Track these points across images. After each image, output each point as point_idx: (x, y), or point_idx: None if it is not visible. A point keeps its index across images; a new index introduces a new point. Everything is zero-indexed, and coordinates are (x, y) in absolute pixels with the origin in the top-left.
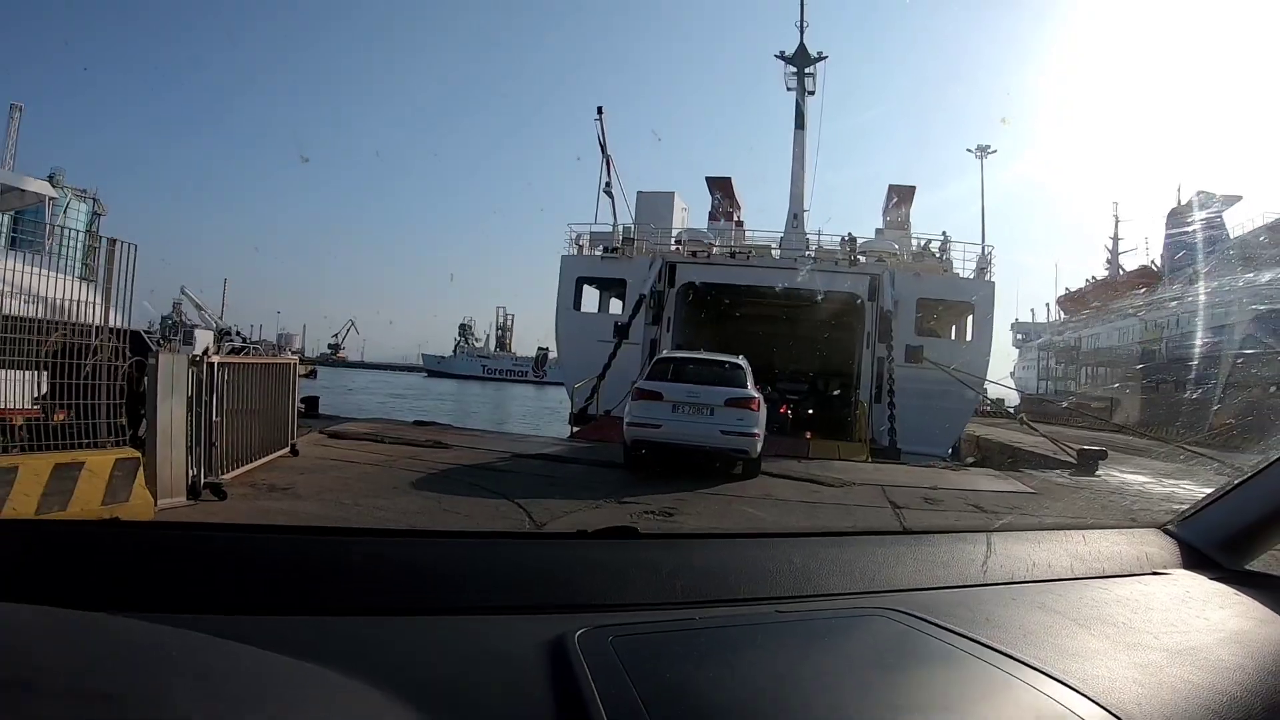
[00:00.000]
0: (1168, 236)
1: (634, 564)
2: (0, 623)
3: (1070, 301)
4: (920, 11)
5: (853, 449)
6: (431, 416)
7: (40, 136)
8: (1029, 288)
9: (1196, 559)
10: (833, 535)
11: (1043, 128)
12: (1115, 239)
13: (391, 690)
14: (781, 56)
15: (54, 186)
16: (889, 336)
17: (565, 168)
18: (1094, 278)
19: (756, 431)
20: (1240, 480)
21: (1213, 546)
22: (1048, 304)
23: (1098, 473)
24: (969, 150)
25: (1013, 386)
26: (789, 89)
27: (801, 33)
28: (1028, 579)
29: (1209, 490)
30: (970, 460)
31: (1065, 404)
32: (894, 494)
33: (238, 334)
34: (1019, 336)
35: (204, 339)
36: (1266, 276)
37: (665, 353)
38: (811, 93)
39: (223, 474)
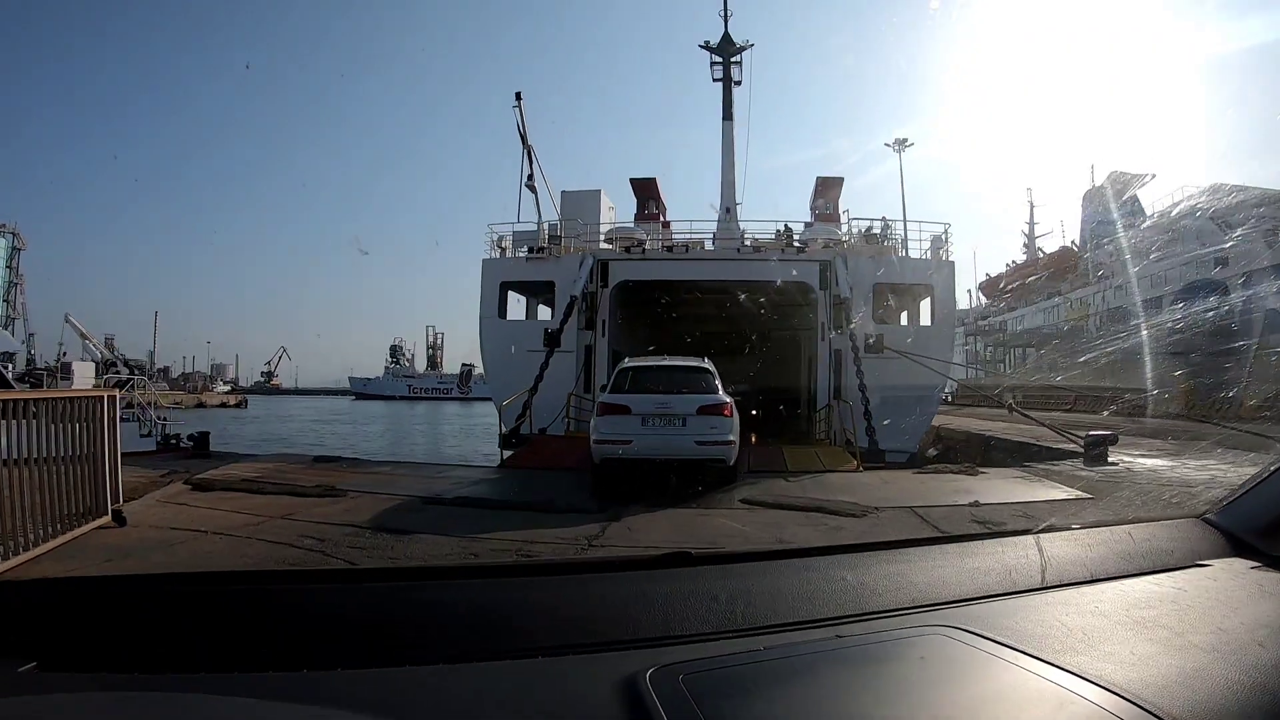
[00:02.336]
0: (1085, 217)
1: (692, 593)
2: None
3: (991, 286)
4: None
5: (834, 455)
6: (351, 441)
7: None
8: None
9: (1238, 547)
10: (880, 548)
11: (956, 118)
12: (1031, 223)
13: None
14: (706, 46)
15: None
16: (848, 325)
17: (484, 170)
18: (1013, 262)
19: (732, 439)
20: (1277, 466)
21: (1253, 534)
22: (969, 290)
23: (1110, 460)
24: (887, 144)
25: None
26: (715, 79)
27: (726, 21)
28: (1078, 580)
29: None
30: (932, 453)
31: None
32: (936, 519)
33: (125, 364)
34: None
35: (83, 371)
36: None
37: (627, 362)
38: (738, 83)
39: None
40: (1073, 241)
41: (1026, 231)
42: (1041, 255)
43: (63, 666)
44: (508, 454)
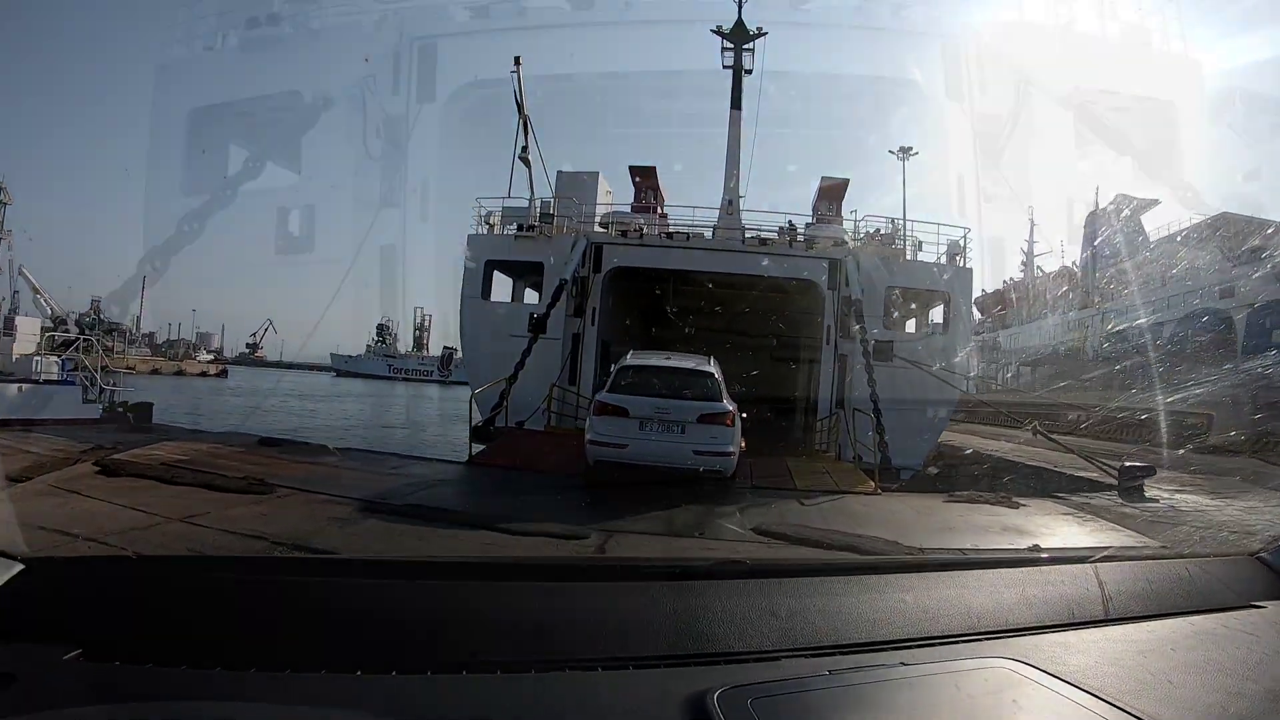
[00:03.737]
0: (1086, 238)
1: (751, 608)
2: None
3: (988, 302)
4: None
5: (846, 473)
6: (325, 419)
7: None
8: None
9: None
10: (937, 569)
11: (954, 134)
12: (1031, 242)
13: None
14: (718, 31)
15: None
16: (860, 330)
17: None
18: (1011, 279)
19: (732, 450)
20: None
21: None
22: None
23: (1148, 495)
24: (891, 152)
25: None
26: (725, 66)
27: (740, 6)
28: (1137, 615)
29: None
30: (933, 471)
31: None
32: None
33: (76, 323)
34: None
35: (27, 327)
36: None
37: (629, 359)
38: (749, 71)
39: None
40: (1073, 262)
41: (1025, 250)
42: (1041, 274)
43: (108, 655)
44: (478, 449)
